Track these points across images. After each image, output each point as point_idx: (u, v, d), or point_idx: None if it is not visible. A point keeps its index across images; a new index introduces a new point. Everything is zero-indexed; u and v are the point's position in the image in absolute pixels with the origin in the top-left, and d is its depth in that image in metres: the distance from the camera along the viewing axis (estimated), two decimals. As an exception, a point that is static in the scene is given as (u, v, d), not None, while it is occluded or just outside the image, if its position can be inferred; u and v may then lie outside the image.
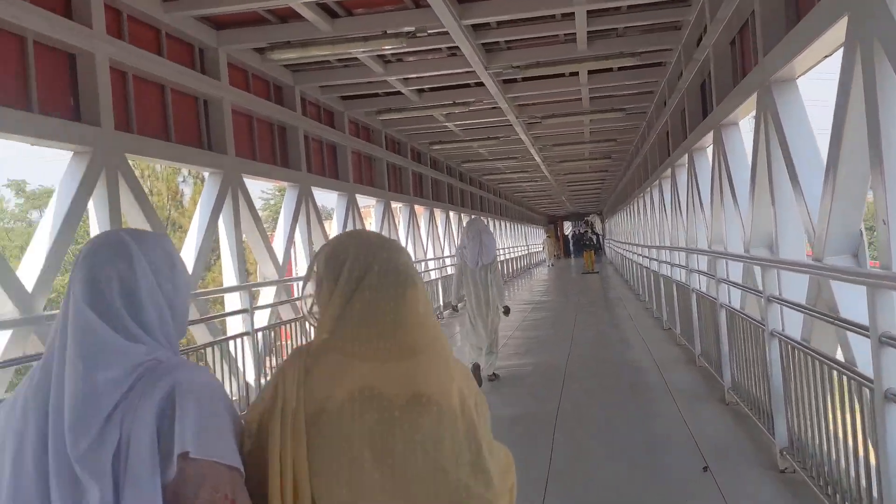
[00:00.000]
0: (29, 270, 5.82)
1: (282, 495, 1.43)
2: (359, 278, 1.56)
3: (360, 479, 1.45)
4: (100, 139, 6.71)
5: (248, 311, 8.15)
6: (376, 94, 13.39)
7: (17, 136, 6.00)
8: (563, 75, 12.61)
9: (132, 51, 7.36)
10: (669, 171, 13.49)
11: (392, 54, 10.86)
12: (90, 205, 6.66)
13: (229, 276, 9.09)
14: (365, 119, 14.74)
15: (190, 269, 7.97)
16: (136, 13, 7.62)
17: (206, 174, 9.15)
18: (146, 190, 35.29)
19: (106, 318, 1.40)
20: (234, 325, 8.40)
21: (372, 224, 15.77)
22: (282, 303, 9.87)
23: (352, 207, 13.54)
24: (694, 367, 8.60)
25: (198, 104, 8.92)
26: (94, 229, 6.71)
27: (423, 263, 17.34)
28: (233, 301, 8.84)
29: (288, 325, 8.90)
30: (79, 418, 1.32)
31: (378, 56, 10.72)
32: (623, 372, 8.84)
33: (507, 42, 10.59)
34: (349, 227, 13.30)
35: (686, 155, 11.31)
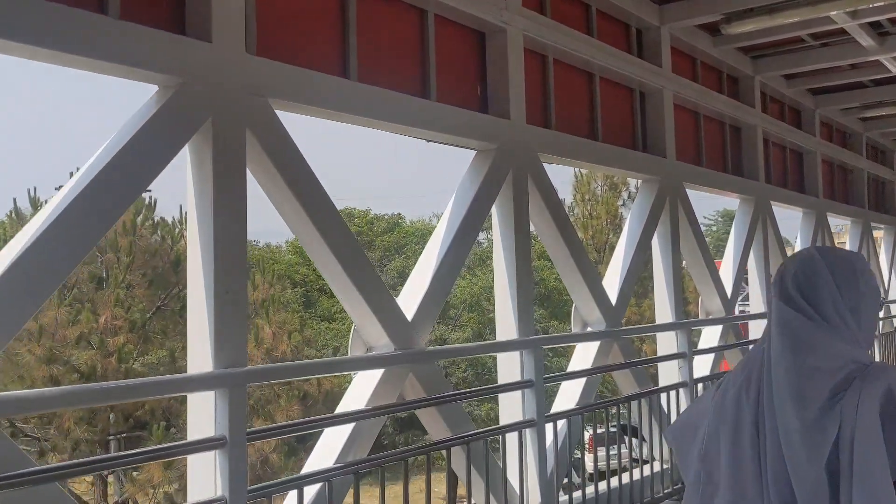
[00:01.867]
0: (409, 299, 4.69)
1: None
2: None
3: None
4: (508, 135, 5.44)
5: (685, 355, 6.35)
6: (860, 85, 10.41)
7: (415, 128, 4.97)
8: None
9: (554, 28, 6.00)
10: None
11: (892, 20, 8.03)
12: (493, 212, 5.42)
13: (663, 310, 7.26)
14: (840, 119, 11.75)
15: (613, 297, 6.34)
16: (561, -16, 6.26)
17: (638, 183, 7.49)
18: (585, 213, 35.49)
19: (802, 314, 1.55)
20: (668, 372, 6.63)
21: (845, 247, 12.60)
22: (728, 346, 7.76)
23: (821, 229, 10.74)
24: None
25: (633, 96, 7.29)
26: (497, 241, 5.43)
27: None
28: (667, 342, 7.00)
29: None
30: (798, 394, 1.47)
31: (870, 24, 7.99)
32: None
33: None
34: (818, 254, 10.54)
35: None
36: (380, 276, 4.41)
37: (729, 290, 8.22)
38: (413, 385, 4.50)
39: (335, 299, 29.49)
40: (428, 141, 5.15)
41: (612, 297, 6.32)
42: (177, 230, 20.70)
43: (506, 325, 5.38)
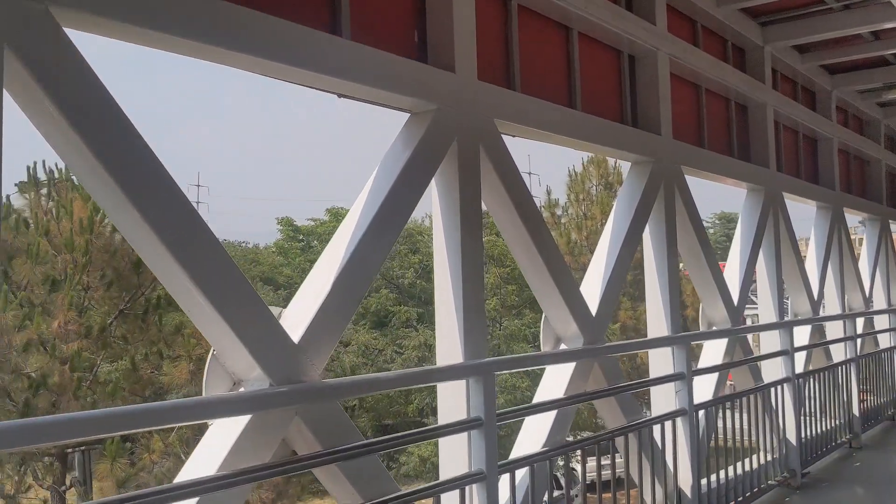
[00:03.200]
0: (298, 313, 3.38)
1: None
2: None
3: None
4: (452, 92, 4.13)
5: (683, 376, 5.10)
6: (882, 61, 9.12)
7: (319, 75, 3.67)
8: None
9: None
10: None
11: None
12: (433, 195, 4.12)
13: (656, 321, 5.96)
14: (857, 103, 10.46)
15: (593, 307, 5.04)
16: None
17: (627, 165, 6.18)
18: (580, 213, 34.30)
19: None
20: (663, 397, 5.35)
21: (862, 250, 11.31)
22: (735, 364, 6.47)
23: (837, 225, 9.45)
24: None
25: (620, 59, 6.00)
26: (438, 231, 4.13)
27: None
28: (661, 360, 5.69)
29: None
30: None
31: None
32: None
33: None
34: (834, 252, 9.25)
35: None
36: (246, 278, 3.09)
37: (735, 296, 6.91)
38: (302, 433, 3.18)
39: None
40: (339, 96, 3.83)
41: (593, 306, 5.01)
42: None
43: (449, 343, 4.07)
